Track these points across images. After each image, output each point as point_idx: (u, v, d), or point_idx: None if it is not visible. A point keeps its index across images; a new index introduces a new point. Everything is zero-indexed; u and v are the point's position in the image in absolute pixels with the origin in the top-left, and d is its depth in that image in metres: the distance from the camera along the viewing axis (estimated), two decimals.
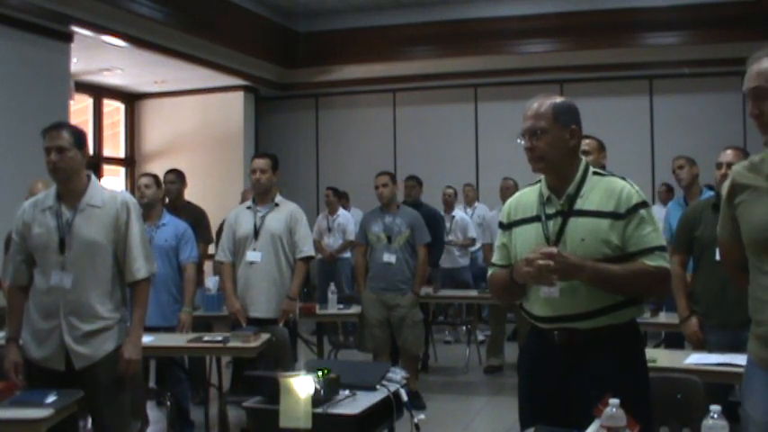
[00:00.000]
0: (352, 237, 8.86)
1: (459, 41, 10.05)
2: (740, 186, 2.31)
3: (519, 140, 2.56)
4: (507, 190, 7.56)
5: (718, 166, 4.02)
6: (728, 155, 3.99)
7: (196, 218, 6.19)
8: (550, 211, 2.54)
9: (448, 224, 8.43)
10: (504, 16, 9.97)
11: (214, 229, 6.82)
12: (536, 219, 2.56)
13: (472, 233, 8.33)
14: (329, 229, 9.10)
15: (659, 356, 3.63)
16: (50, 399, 3.04)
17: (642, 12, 9.57)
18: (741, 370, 2.45)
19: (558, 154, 2.51)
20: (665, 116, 10.23)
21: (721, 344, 3.81)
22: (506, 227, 2.67)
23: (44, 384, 3.22)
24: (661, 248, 2.47)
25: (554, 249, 2.38)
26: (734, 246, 2.37)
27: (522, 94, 9.85)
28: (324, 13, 10.55)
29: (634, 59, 9.85)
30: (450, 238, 8.38)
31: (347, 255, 9.15)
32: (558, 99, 2.58)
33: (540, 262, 2.35)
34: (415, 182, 7.82)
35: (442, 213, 8.52)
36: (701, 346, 4.01)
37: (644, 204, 2.49)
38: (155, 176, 5.41)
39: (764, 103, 2.16)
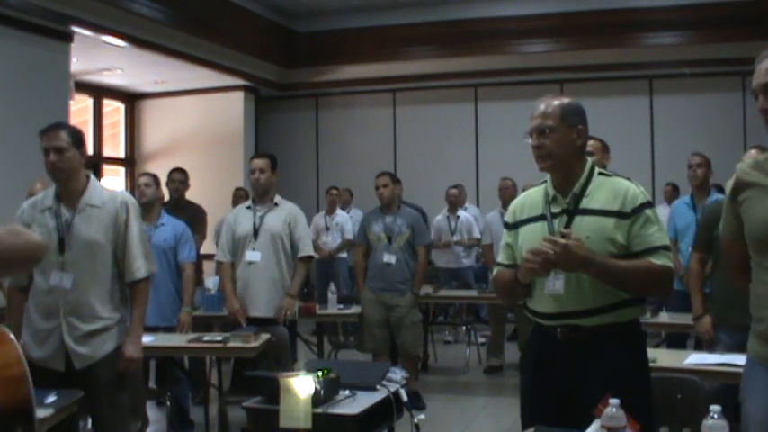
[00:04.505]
0: (350, 236, 8.87)
1: (459, 41, 10.04)
2: (744, 184, 2.32)
3: (526, 139, 2.59)
4: (506, 190, 7.57)
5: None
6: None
7: (195, 214, 6.21)
8: (556, 209, 2.56)
9: (453, 224, 8.43)
10: (504, 16, 9.96)
11: (211, 229, 6.84)
12: (541, 218, 2.59)
13: (477, 233, 8.33)
14: (327, 228, 9.11)
15: (659, 356, 3.63)
16: (50, 399, 3.04)
17: (642, 12, 9.56)
18: (741, 370, 2.45)
19: (565, 153, 2.54)
20: (665, 116, 10.22)
21: (731, 343, 3.82)
22: (512, 227, 2.69)
23: (44, 384, 3.20)
24: (666, 248, 2.50)
25: (562, 240, 2.38)
26: (736, 243, 2.38)
27: (522, 94, 10.01)
28: (324, 13, 10.55)
29: (634, 59, 9.84)
30: (456, 238, 8.38)
31: (344, 255, 9.17)
32: (566, 99, 2.61)
33: (545, 247, 2.36)
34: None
35: (446, 213, 8.55)
36: (712, 344, 4.03)
37: (649, 204, 2.52)
38: (154, 176, 5.42)
39: None
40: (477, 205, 10.01)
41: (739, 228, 2.33)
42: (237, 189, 8.48)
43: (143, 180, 5.27)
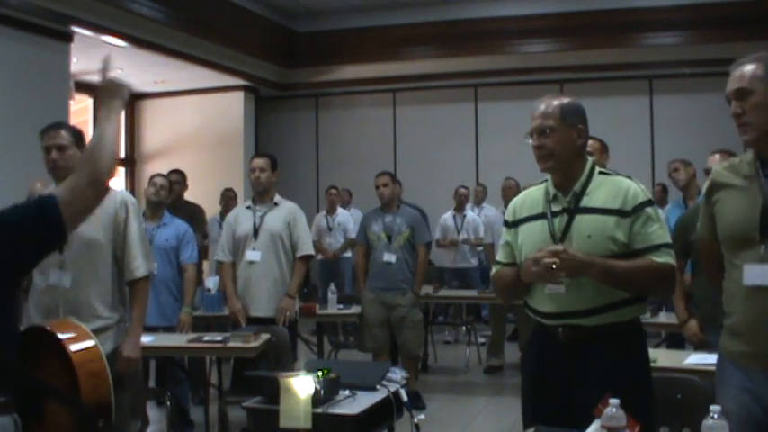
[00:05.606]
0: (353, 235, 8.86)
1: (459, 41, 10.04)
2: (718, 185, 2.40)
3: (527, 139, 2.59)
4: (509, 190, 7.58)
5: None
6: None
7: (193, 213, 6.22)
8: (556, 208, 2.56)
9: (459, 223, 8.45)
10: (504, 16, 9.97)
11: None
12: (542, 216, 2.59)
13: (482, 233, 8.34)
14: (330, 229, 9.09)
15: (659, 356, 3.62)
16: None
17: (642, 12, 9.56)
18: None
19: (566, 152, 2.54)
20: (665, 116, 10.22)
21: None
22: (511, 225, 2.70)
23: None
24: (667, 245, 2.50)
25: (560, 247, 2.40)
26: (711, 242, 2.45)
27: (522, 94, 10.00)
28: (324, 13, 10.55)
29: (634, 59, 9.84)
30: (464, 237, 8.39)
31: (348, 254, 9.16)
32: (566, 99, 2.61)
33: (547, 260, 2.36)
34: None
35: (453, 212, 8.55)
36: (703, 346, 4.03)
37: (650, 203, 2.52)
38: (169, 179, 5.47)
39: (747, 103, 2.26)
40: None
41: (714, 227, 2.41)
42: (227, 190, 8.45)
43: (160, 181, 5.30)
